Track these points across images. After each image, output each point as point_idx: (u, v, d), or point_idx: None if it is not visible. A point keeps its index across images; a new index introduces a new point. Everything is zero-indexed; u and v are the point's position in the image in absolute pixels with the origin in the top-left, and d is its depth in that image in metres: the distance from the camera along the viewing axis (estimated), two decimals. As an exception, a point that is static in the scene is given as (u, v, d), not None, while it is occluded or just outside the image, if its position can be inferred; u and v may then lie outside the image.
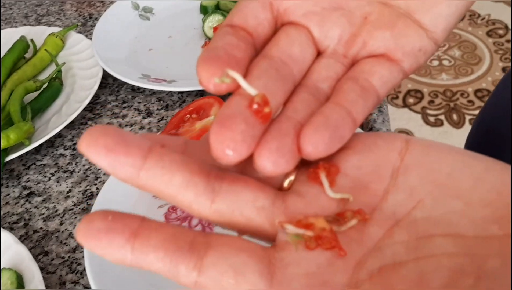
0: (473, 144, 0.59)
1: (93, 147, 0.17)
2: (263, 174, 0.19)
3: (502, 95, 0.54)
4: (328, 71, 0.22)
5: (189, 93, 0.55)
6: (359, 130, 0.43)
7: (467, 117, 1.57)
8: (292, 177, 0.20)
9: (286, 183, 0.20)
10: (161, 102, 0.55)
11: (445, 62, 1.75)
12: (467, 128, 1.53)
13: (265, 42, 0.22)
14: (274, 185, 0.20)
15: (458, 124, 1.55)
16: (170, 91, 0.55)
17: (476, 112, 1.58)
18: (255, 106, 0.19)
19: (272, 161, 0.19)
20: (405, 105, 1.61)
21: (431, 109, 1.59)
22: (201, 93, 0.54)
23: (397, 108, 1.60)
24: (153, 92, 0.55)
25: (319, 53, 0.23)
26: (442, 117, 1.57)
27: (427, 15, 0.22)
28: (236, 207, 0.19)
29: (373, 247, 0.18)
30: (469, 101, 1.62)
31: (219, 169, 0.19)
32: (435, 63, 1.74)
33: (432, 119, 1.57)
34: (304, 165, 0.20)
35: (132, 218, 0.18)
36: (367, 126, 0.48)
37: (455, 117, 1.57)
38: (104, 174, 0.48)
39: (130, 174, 0.18)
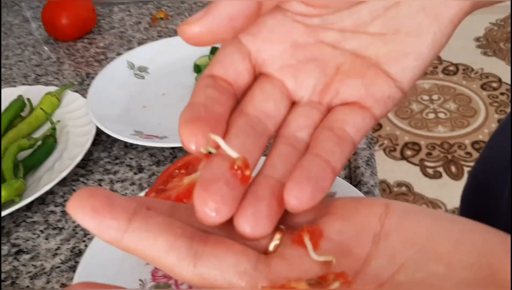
0: (467, 197, 0.59)
1: (81, 209, 0.18)
2: (245, 238, 0.20)
3: (493, 149, 0.55)
4: (306, 119, 0.23)
5: (180, 148, 0.55)
6: (345, 182, 0.43)
7: (466, 169, 1.57)
8: (277, 241, 0.21)
9: (271, 247, 0.21)
10: (153, 157, 0.55)
11: (441, 115, 1.77)
12: (466, 180, 1.52)
13: (245, 90, 0.24)
14: (261, 248, 0.21)
15: (456, 176, 1.55)
16: (162, 147, 0.56)
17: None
18: (236, 169, 0.20)
19: (249, 227, 0.19)
20: (403, 157, 1.62)
21: (429, 161, 1.60)
22: (192, 149, 0.54)
23: (395, 160, 1.61)
24: (146, 148, 0.56)
25: (293, 104, 0.24)
26: (440, 169, 1.57)
27: (395, 66, 0.23)
28: (218, 272, 0.19)
29: None
30: (467, 153, 1.62)
31: (203, 231, 0.20)
32: (431, 116, 1.77)
33: (430, 171, 1.57)
34: (290, 229, 0.21)
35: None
36: (355, 179, 0.48)
37: (453, 169, 1.57)
38: (94, 230, 0.48)
39: (114, 236, 0.18)
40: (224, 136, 0.21)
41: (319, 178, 0.20)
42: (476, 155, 1.62)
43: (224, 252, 0.19)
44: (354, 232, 0.20)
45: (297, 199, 0.20)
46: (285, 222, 0.21)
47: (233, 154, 0.20)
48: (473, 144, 1.66)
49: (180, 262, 0.19)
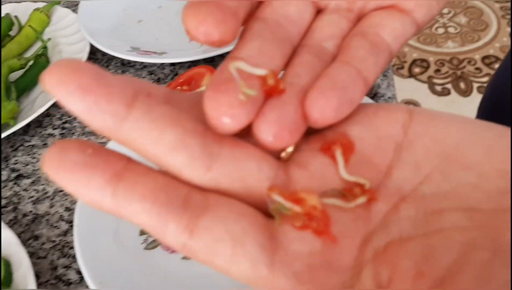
0: (485, 111, 0.57)
1: (64, 86, 0.14)
2: (264, 147, 0.17)
3: None
4: (332, 28, 0.19)
5: (181, 65, 0.52)
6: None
7: (475, 85, 1.53)
8: (290, 149, 0.18)
9: (283, 154, 0.18)
10: (153, 75, 0.52)
11: (451, 30, 1.70)
12: (475, 96, 1.49)
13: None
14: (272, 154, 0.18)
15: (465, 93, 1.51)
16: (162, 64, 0.52)
17: (484, 79, 1.54)
18: (270, 82, 0.17)
19: (273, 134, 0.16)
20: (411, 75, 1.57)
21: (437, 78, 1.55)
22: (194, 64, 0.51)
23: (402, 78, 1.57)
24: (144, 66, 0.53)
25: (319, 12, 0.20)
26: (449, 86, 1.53)
27: None
28: (237, 177, 0.16)
29: (379, 224, 0.16)
30: (477, 69, 1.57)
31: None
32: (441, 30, 1.70)
33: (439, 88, 1.53)
34: (304, 134, 0.18)
35: (116, 156, 0.15)
36: (371, 91, 0.45)
37: (462, 85, 1.53)
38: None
39: (110, 124, 0.15)
40: (237, 32, 0.17)
41: (348, 88, 0.17)
42: (486, 70, 1.57)
43: (243, 156, 0.16)
44: (375, 140, 0.18)
45: (321, 111, 0.17)
46: None
47: (260, 71, 0.17)
48: (483, 59, 1.61)
49: (191, 163, 0.15)
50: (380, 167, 0.17)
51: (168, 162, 0.15)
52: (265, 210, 0.16)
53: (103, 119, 0.14)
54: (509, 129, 0.17)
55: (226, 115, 0.16)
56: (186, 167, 0.15)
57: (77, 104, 0.14)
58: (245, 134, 0.17)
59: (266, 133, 0.16)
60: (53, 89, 0.14)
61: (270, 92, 0.17)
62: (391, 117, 0.18)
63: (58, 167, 0.14)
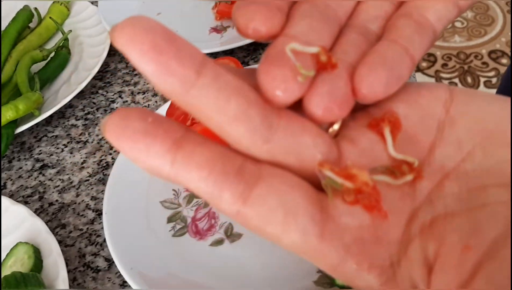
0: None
1: (138, 44, 0.14)
2: (313, 121, 0.17)
3: None
4: (377, 10, 0.20)
5: (202, 57, 0.52)
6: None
7: (482, 80, 1.53)
8: (337, 126, 0.18)
9: (330, 130, 0.18)
10: (173, 67, 0.52)
11: (458, 24, 1.70)
12: (482, 90, 1.49)
13: None
14: None
15: (472, 87, 1.51)
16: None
17: (491, 74, 1.54)
18: (322, 59, 0.17)
19: (323, 107, 0.17)
20: (418, 69, 1.57)
21: (444, 72, 1.55)
22: (214, 56, 0.51)
23: (409, 73, 1.57)
24: (165, 57, 0.53)
25: None
26: (456, 80, 1.53)
27: None
28: (292, 150, 0.16)
29: (424, 201, 0.17)
30: (483, 63, 1.57)
31: None
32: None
33: (446, 82, 1.53)
34: (352, 110, 0.19)
35: (175, 126, 0.15)
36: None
37: (469, 80, 1.53)
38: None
39: (178, 88, 0.15)
40: (285, 24, 0.18)
41: (396, 65, 0.18)
42: (493, 64, 1.57)
43: (300, 130, 0.17)
44: (418, 118, 0.18)
45: (370, 86, 0.17)
46: None
47: (312, 49, 0.17)
48: (490, 53, 1.61)
49: (251, 134, 0.16)
50: (424, 145, 0.18)
51: (229, 131, 0.16)
52: (317, 184, 0.17)
53: (172, 82, 0.14)
54: None
55: (280, 88, 0.16)
56: (246, 138, 0.16)
57: (149, 65, 0.14)
58: (296, 109, 0.17)
59: (316, 106, 0.17)
60: (125, 47, 0.14)
61: (323, 67, 0.17)
62: (433, 96, 0.19)
63: (120, 135, 0.15)
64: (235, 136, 0.16)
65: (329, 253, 0.16)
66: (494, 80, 1.53)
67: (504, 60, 1.59)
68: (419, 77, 1.55)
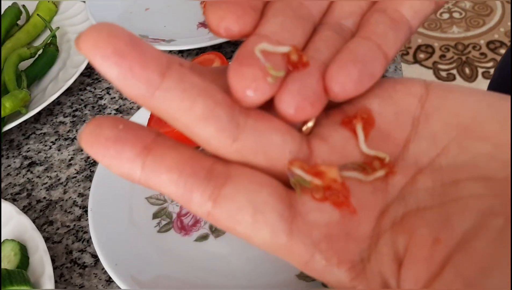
0: (495, 91, 0.57)
1: (100, 50, 0.14)
2: (285, 120, 0.17)
3: None
4: (352, 6, 0.20)
5: (189, 52, 0.52)
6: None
7: (480, 70, 1.52)
8: (311, 123, 0.18)
9: (304, 128, 0.18)
10: (161, 63, 0.52)
11: (456, 15, 1.69)
12: (480, 81, 1.48)
13: None
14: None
15: (470, 78, 1.51)
16: (170, 51, 0.52)
17: (489, 64, 1.54)
18: (293, 58, 0.17)
19: (294, 106, 0.16)
20: (416, 61, 1.57)
21: (442, 63, 1.55)
22: (202, 51, 0.51)
23: (407, 64, 1.56)
24: (152, 53, 0.53)
25: None
26: (454, 71, 1.53)
27: None
28: (261, 149, 0.16)
29: (396, 196, 0.17)
30: (482, 54, 1.57)
31: None
32: (446, 16, 1.69)
33: (444, 74, 1.52)
34: (324, 108, 0.18)
35: (145, 131, 0.16)
36: (378, 75, 0.46)
37: (467, 70, 1.53)
38: (106, 139, 0.46)
39: (143, 91, 0.15)
40: (258, 22, 0.18)
41: (368, 62, 0.17)
42: (491, 55, 1.56)
43: (269, 129, 0.17)
44: (393, 114, 0.18)
45: (341, 84, 0.17)
46: None
47: (283, 49, 0.17)
48: (488, 44, 1.60)
49: (218, 134, 0.16)
50: (398, 141, 0.18)
51: (197, 132, 0.16)
52: (286, 182, 0.17)
53: (137, 86, 0.15)
54: None
55: (250, 88, 0.16)
56: (214, 138, 0.16)
57: (112, 69, 0.14)
58: (268, 108, 0.17)
59: (288, 105, 0.17)
60: (88, 52, 0.14)
61: (295, 66, 0.17)
62: (408, 91, 0.18)
63: (93, 142, 0.15)
64: (203, 137, 0.16)
65: (299, 250, 0.16)
66: (492, 70, 1.52)
67: (503, 50, 1.58)
68: (417, 69, 1.54)
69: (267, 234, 0.16)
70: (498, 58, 1.56)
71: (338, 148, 0.18)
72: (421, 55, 1.58)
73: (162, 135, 0.16)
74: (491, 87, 0.58)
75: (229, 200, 0.16)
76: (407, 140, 0.18)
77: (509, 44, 1.58)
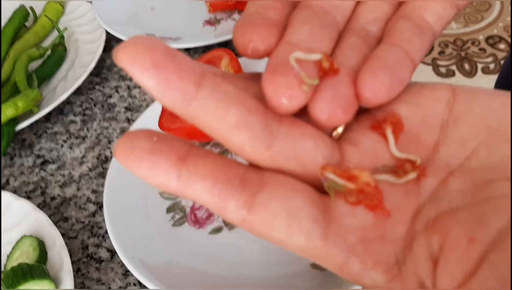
0: (503, 88, 0.57)
1: (139, 62, 0.14)
2: (319, 126, 0.17)
3: None
4: (376, 12, 0.20)
5: (196, 50, 0.53)
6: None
7: (479, 66, 1.53)
8: (340, 129, 0.19)
9: (334, 134, 0.19)
10: (169, 61, 0.53)
11: (454, 11, 1.70)
12: (479, 76, 1.49)
13: None
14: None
15: (470, 74, 1.52)
16: (178, 48, 0.53)
17: (489, 59, 1.55)
18: (325, 65, 0.17)
19: (327, 112, 0.17)
20: (415, 57, 1.57)
21: (442, 60, 1.56)
22: (208, 49, 0.52)
23: (407, 61, 1.57)
24: (160, 52, 0.54)
25: None
26: (453, 67, 1.54)
27: None
28: (294, 155, 0.17)
29: (429, 198, 0.17)
30: (481, 49, 1.57)
31: None
32: (444, 12, 1.70)
33: (443, 70, 1.53)
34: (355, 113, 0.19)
35: (179, 142, 0.16)
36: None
37: (466, 66, 1.53)
38: (117, 137, 0.47)
39: (180, 101, 0.15)
40: (285, 31, 0.19)
41: (397, 68, 0.18)
42: (490, 50, 1.57)
43: (301, 135, 0.17)
44: (421, 118, 0.18)
45: (373, 91, 0.17)
46: None
47: (314, 56, 0.17)
48: (487, 39, 1.61)
49: (252, 141, 0.16)
50: (427, 145, 0.18)
51: (231, 139, 0.16)
52: (320, 187, 0.17)
53: (173, 95, 0.15)
54: None
55: (285, 96, 0.16)
56: (247, 145, 0.16)
57: (150, 80, 0.15)
58: (303, 114, 0.18)
59: (321, 111, 0.17)
60: (127, 64, 0.15)
61: (326, 73, 0.17)
62: (435, 95, 0.19)
63: (128, 155, 0.15)
64: (237, 144, 0.16)
65: (334, 254, 0.16)
66: (491, 66, 1.53)
67: (502, 46, 1.59)
68: (417, 65, 1.55)
69: (302, 240, 0.16)
70: (497, 53, 1.57)
71: (369, 152, 0.18)
72: (421, 52, 1.59)
73: (196, 146, 0.17)
74: (497, 85, 0.58)
75: (264, 207, 0.16)
76: (436, 144, 0.18)
77: (508, 39, 1.59)
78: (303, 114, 0.18)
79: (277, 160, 0.17)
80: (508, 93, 0.19)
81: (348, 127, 0.19)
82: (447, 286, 0.15)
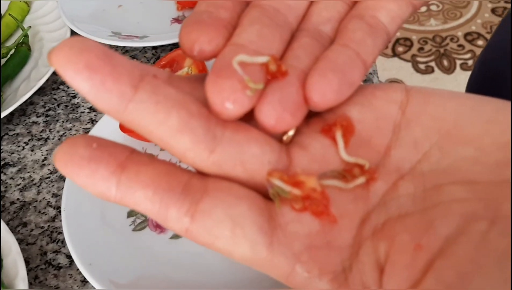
0: (475, 85, 0.57)
1: (72, 64, 0.14)
2: (266, 131, 0.17)
3: (504, 34, 0.52)
4: (329, 11, 0.19)
5: (163, 48, 0.52)
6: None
7: (458, 62, 1.54)
8: (291, 132, 0.18)
9: (285, 138, 0.18)
10: (135, 59, 0.52)
11: (433, 7, 1.71)
12: (458, 73, 1.50)
13: None
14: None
15: (449, 70, 1.53)
16: (144, 48, 0.52)
17: (467, 56, 1.56)
18: (272, 68, 0.17)
19: (275, 117, 0.16)
20: (395, 54, 1.58)
21: (421, 56, 1.56)
22: (176, 47, 0.51)
23: (386, 58, 1.57)
24: (126, 50, 0.53)
25: None
26: (432, 63, 1.54)
27: None
28: (239, 161, 0.16)
29: (377, 203, 0.17)
30: (459, 46, 1.59)
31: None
32: (423, 8, 1.70)
33: (422, 66, 1.54)
34: (304, 117, 0.18)
35: (119, 148, 0.15)
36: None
37: (445, 62, 1.54)
38: (80, 139, 0.46)
39: (116, 105, 0.15)
40: (234, 31, 0.18)
41: (347, 70, 0.17)
42: (468, 47, 1.58)
43: (246, 140, 0.16)
44: (373, 120, 0.18)
45: (321, 93, 0.17)
46: None
47: (261, 59, 0.17)
48: (465, 36, 1.62)
49: (194, 146, 0.16)
50: (379, 148, 0.18)
51: (172, 144, 0.16)
52: (266, 194, 0.17)
53: (109, 99, 0.15)
54: (506, 102, 0.17)
55: (229, 100, 0.16)
56: (190, 150, 0.16)
57: (84, 83, 0.14)
58: (249, 118, 0.17)
59: (269, 116, 0.16)
60: (60, 67, 0.14)
61: (274, 76, 0.17)
62: (388, 97, 0.18)
63: (67, 163, 0.15)
64: (179, 149, 0.16)
65: (279, 263, 0.16)
66: (470, 62, 1.54)
67: (480, 42, 1.60)
68: (396, 62, 1.55)
69: (247, 249, 0.15)
70: (476, 49, 1.58)
71: (318, 156, 0.17)
72: (400, 48, 1.60)
73: (138, 152, 0.16)
74: (471, 81, 0.58)
75: (207, 215, 0.15)
76: (388, 147, 0.18)
77: (486, 35, 1.60)
78: (251, 119, 0.17)
79: (222, 166, 0.16)
80: (464, 94, 0.18)
81: (298, 131, 0.18)
82: None
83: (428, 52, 1.57)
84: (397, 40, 1.61)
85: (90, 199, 0.39)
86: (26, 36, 0.53)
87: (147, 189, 0.15)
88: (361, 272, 0.16)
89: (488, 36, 1.60)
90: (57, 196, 0.42)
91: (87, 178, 0.15)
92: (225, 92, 0.16)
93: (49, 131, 0.47)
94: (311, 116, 0.18)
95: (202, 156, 0.16)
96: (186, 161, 0.16)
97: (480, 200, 0.15)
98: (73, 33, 0.52)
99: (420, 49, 1.59)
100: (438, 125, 0.17)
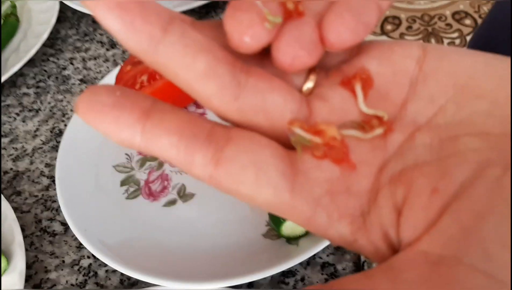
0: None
1: (104, 3, 0.14)
2: (282, 69, 0.17)
3: (498, 12, 0.52)
4: None
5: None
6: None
7: (446, 41, 1.55)
8: (311, 83, 0.18)
9: (304, 89, 0.18)
10: (126, 32, 0.52)
11: (422, -14, 1.71)
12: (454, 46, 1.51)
13: None
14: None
15: (436, 49, 1.54)
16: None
17: (454, 35, 1.57)
18: (289, 6, 0.17)
19: (292, 54, 0.16)
20: (383, 32, 1.58)
21: (409, 35, 1.57)
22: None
23: (375, 36, 1.58)
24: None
25: None
26: (420, 42, 1.55)
27: None
28: (262, 109, 0.17)
29: (395, 152, 0.17)
30: (447, 25, 1.59)
31: (243, 60, 0.17)
32: (412, -13, 1.70)
33: (410, 45, 1.55)
34: (323, 70, 0.19)
35: (143, 97, 0.16)
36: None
37: (433, 41, 1.55)
38: (72, 110, 0.46)
39: (146, 46, 0.15)
40: None
41: (363, 12, 0.17)
42: (456, 26, 1.59)
43: (269, 88, 0.17)
44: (391, 74, 0.18)
45: (337, 33, 0.17)
46: None
47: None
48: (453, 15, 1.62)
49: (220, 92, 0.16)
50: (396, 101, 0.18)
51: (198, 89, 0.16)
52: (287, 143, 0.17)
53: (138, 39, 0.15)
54: None
55: (247, 34, 0.16)
56: (215, 96, 0.16)
57: (115, 22, 0.14)
58: (271, 67, 0.17)
59: (286, 53, 0.16)
60: (91, 6, 0.14)
61: (290, 15, 0.17)
62: (406, 53, 0.18)
63: (90, 110, 0.15)
64: (204, 94, 0.16)
65: (301, 206, 0.16)
66: (457, 41, 1.55)
67: (468, 21, 1.61)
68: (384, 40, 1.56)
69: (270, 193, 0.16)
70: (463, 28, 1.59)
71: (337, 108, 0.18)
72: (388, 27, 1.60)
73: (160, 100, 0.16)
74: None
75: (231, 161, 0.16)
76: (405, 100, 0.18)
77: (474, 14, 1.61)
78: (271, 67, 0.17)
79: (245, 113, 0.17)
80: (479, 52, 0.19)
81: (318, 84, 0.19)
82: (409, 235, 0.15)
83: (416, 31, 1.58)
84: (386, 19, 1.61)
85: (83, 169, 0.40)
86: (14, 7, 0.53)
87: (172, 136, 0.15)
88: (378, 215, 0.16)
89: (476, 16, 1.61)
90: (50, 166, 0.43)
91: (111, 124, 0.15)
92: (243, 25, 0.16)
93: (40, 102, 0.47)
94: (330, 69, 0.19)
95: (227, 102, 0.16)
96: (211, 106, 0.16)
97: (493, 150, 0.16)
98: (62, 5, 0.52)
99: (409, 27, 1.59)
100: (454, 80, 0.18)
